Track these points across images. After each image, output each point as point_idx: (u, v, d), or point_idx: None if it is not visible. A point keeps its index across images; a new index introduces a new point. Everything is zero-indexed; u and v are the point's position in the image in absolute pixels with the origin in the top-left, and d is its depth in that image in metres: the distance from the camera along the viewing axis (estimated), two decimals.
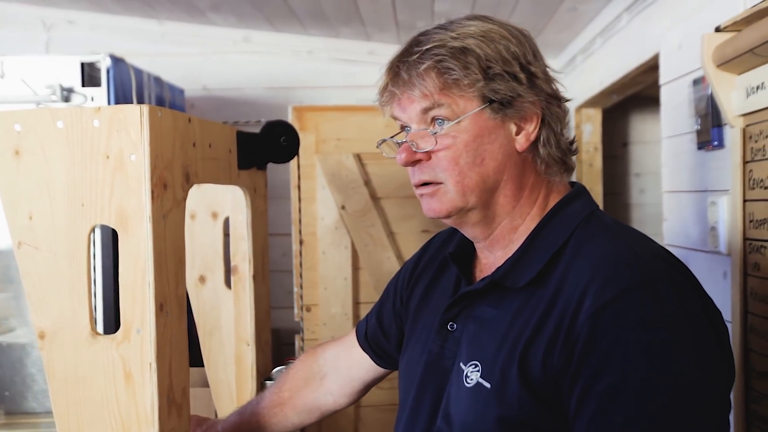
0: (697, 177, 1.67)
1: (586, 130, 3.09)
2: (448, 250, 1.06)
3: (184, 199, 1.17)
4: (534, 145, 0.95)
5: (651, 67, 2.05)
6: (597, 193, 3.14)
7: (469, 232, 1.00)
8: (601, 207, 3.11)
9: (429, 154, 0.93)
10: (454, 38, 0.91)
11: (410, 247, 2.69)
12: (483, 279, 0.98)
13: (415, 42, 0.94)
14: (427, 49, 0.91)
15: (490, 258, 1.00)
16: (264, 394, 1.36)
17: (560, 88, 0.98)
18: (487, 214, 0.96)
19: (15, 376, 2.37)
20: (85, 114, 1.06)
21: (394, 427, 1.07)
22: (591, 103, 2.91)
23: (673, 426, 0.80)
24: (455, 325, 0.99)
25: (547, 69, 0.97)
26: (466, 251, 1.05)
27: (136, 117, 1.04)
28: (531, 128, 0.94)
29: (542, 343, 0.86)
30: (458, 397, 0.93)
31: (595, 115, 3.07)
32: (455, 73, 0.90)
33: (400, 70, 0.93)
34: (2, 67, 2.23)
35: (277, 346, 3.09)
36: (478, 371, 0.92)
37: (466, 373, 0.93)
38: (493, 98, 0.91)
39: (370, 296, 2.72)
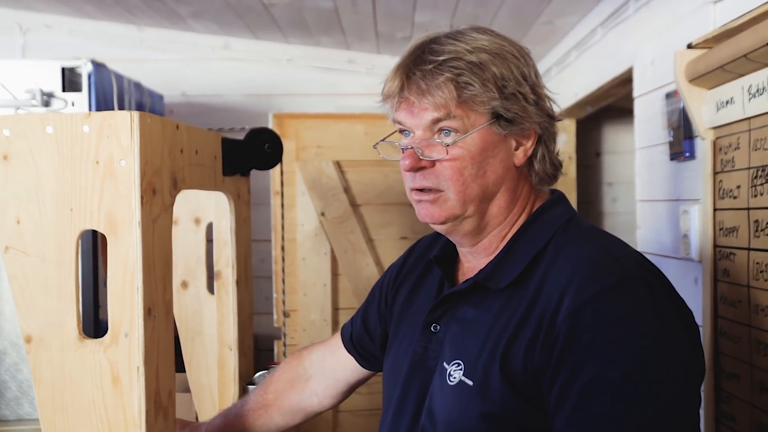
0: (669, 186, 1.73)
1: (561, 140, 3.13)
2: (431, 254, 1.10)
3: (172, 204, 1.19)
4: (529, 160, 1.00)
5: (625, 80, 2.11)
6: (571, 201, 3.15)
7: (458, 239, 1.03)
8: None
9: (434, 162, 0.96)
10: (470, 51, 0.94)
11: (389, 254, 2.71)
12: (466, 281, 1.01)
13: (429, 49, 0.96)
14: (444, 60, 0.93)
15: (473, 262, 1.04)
16: (249, 397, 1.37)
17: (555, 108, 1.03)
18: (480, 223, 1.00)
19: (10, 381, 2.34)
20: (75, 120, 1.07)
21: (379, 427, 1.10)
22: (566, 113, 2.97)
23: (648, 418, 0.84)
24: (438, 327, 1.02)
25: (546, 89, 1.02)
26: (450, 255, 1.08)
27: (126, 123, 1.06)
28: (529, 144, 0.99)
29: (523, 342, 0.90)
30: (442, 395, 0.97)
31: (570, 125, 3.13)
32: (473, 89, 0.93)
33: (415, 78, 0.95)
34: None
35: (256, 352, 3.09)
36: (461, 369, 0.95)
37: (449, 372, 0.96)
38: (504, 115, 0.95)
39: (350, 302, 2.74)
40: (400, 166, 0.98)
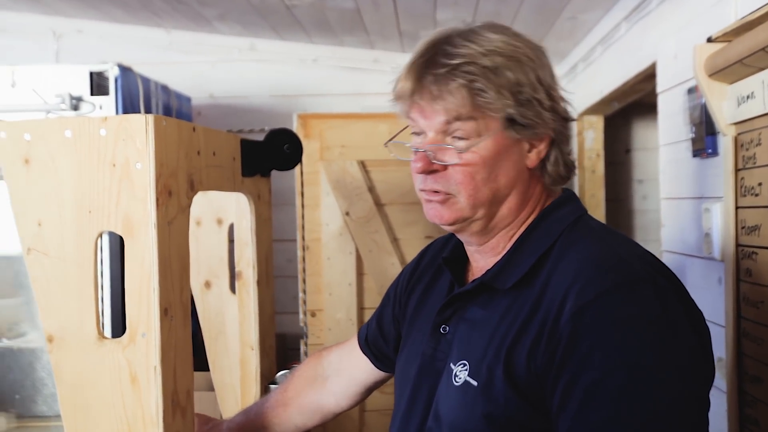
0: (693, 184, 1.69)
1: (589, 137, 3.12)
2: (442, 255, 1.09)
3: (189, 205, 1.20)
4: (542, 162, 0.99)
5: (649, 76, 2.07)
6: (599, 199, 3.16)
7: (465, 238, 1.03)
8: (603, 213, 3.15)
9: (445, 166, 0.95)
10: (484, 54, 0.92)
11: (414, 253, 2.69)
12: (473, 281, 1.01)
13: (442, 51, 0.94)
14: (457, 65, 0.92)
15: (481, 262, 1.03)
16: (270, 395, 1.39)
17: (569, 108, 1.01)
18: (489, 224, 0.99)
19: (25, 380, 2.40)
20: (93, 123, 1.09)
21: (389, 428, 1.10)
22: (593, 110, 2.93)
23: (650, 424, 0.82)
24: (447, 328, 1.02)
25: (561, 90, 1.00)
26: (460, 256, 1.08)
27: (141, 126, 1.07)
28: (542, 147, 0.97)
29: (527, 343, 0.89)
30: (447, 395, 0.96)
31: (597, 122, 3.10)
32: (487, 96, 0.91)
33: (427, 83, 0.93)
34: (13, 76, 2.28)
35: (283, 350, 3.12)
36: (466, 370, 0.94)
37: (455, 372, 0.96)
38: (519, 121, 0.93)
39: (375, 302, 2.75)
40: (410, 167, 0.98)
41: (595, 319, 0.85)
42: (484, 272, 1.00)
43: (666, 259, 1.92)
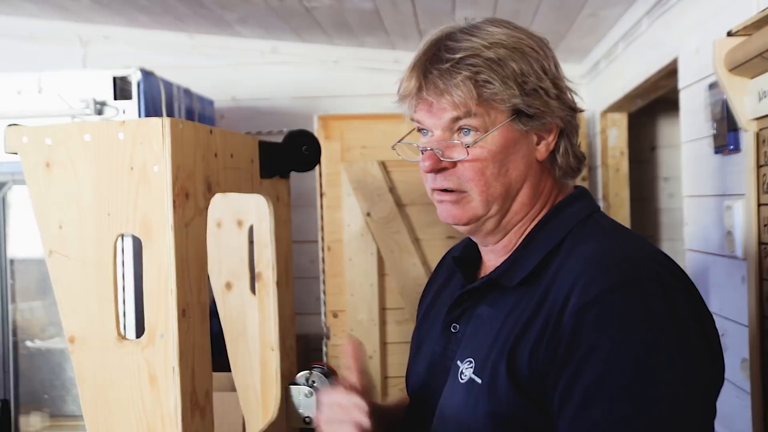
0: (715, 181, 1.67)
1: (612, 135, 3.08)
2: (453, 255, 1.09)
3: (206, 207, 1.22)
4: (552, 154, 0.98)
5: (671, 72, 2.04)
6: (624, 198, 3.12)
7: (479, 238, 1.02)
8: (627, 212, 3.11)
9: (455, 163, 0.94)
10: (487, 47, 0.92)
11: (435, 253, 2.71)
12: (482, 278, 1.00)
13: (444, 47, 0.93)
14: (461, 58, 0.91)
15: (494, 261, 1.02)
16: None
17: (576, 99, 1.00)
18: (502, 221, 0.98)
19: (55, 380, 2.45)
20: (111, 127, 1.11)
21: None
22: (616, 107, 2.90)
23: (651, 425, 0.81)
24: (458, 326, 1.01)
25: (566, 80, 0.99)
26: (473, 256, 1.07)
27: (157, 130, 1.09)
28: (551, 138, 0.97)
29: (530, 340, 0.88)
30: (453, 393, 0.96)
31: (621, 119, 3.06)
32: (493, 87, 0.91)
33: (432, 77, 0.92)
34: (39, 82, 2.32)
35: (307, 351, 3.13)
36: (472, 367, 0.94)
37: (461, 370, 0.95)
38: (526, 112, 0.93)
39: (397, 302, 2.75)
40: (419, 167, 0.97)
41: (598, 317, 0.84)
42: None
43: (689, 257, 1.89)
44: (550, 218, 0.98)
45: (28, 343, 2.44)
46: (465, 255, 1.08)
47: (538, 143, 0.97)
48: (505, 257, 1.00)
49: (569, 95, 0.98)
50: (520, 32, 0.96)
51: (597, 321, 0.84)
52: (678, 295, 0.87)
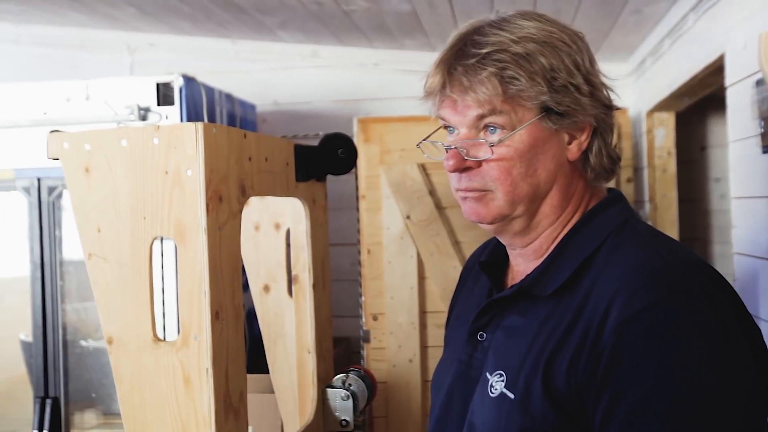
0: (763, 182, 1.60)
1: (659, 135, 3.00)
2: (479, 259, 1.06)
3: (240, 211, 1.22)
4: (584, 154, 0.93)
5: (718, 68, 1.98)
6: (671, 199, 3.04)
7: (508, 240, 0.99)
8: (675, 214, 3.03)
9: (480, 162, 0.91)
10: (515, 42, 0.88)
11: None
12: (512, 286, 0.96)
13: (471, 42, 0.90)
14: (487, 53, 0.88)
15: (523, 266, 0.99)
16: None
17: (614, 97, 0.96)
18: (531, 223, 0.94)
19: (104, 379, 2.51)
20: (146, 133, 1.13)
21: (427, 429, 1.08)
22: (662, 106, 2.82)
23: None
24: (485, 335, 0.98)
25: (602, 76, 0.95)
26: (500, 259, 1.04)
27: (191, 134, 1.10)
28: (583, 138, 0.92)
29: (567, 354, 0.84)
30: (482, 407, 0.92)
31: (668, 119, 2.97)
32: (519, 84, 0.87)
33: (457, 74, 0.89)
34: (87, 89, 2.39)
35: (348, 353, 3.14)
36: (503, 381, 0.90)
37: (491, 383, 0.92)
38: (556, 109, 0.89)
39: (437, 305, 2.73)
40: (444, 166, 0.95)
41: (641, 332, 0.79)
42: (524, 277, 0.96)
43: (737, 261, 1.82)
44: (583, 224, 0.94)
45: (83, 343, 2.51)
46: (491, 259, 1.04)
47: (569, 142, 0.93)
48: (536, 262, 0.96)
49: (605, 92, 0.94)
50: (553, 25, 0.91)
51: (640, 336, 0.79)
52: (724, 307, 0.82)
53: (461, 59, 0.90)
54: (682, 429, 0.76)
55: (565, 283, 0.90)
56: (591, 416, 0.82)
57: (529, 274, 0.95)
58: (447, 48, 0.93)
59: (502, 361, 0.92)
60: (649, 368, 0.78)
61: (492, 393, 0.91)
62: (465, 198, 0.94)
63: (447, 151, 0.93)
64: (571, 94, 0.89)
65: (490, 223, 0.94)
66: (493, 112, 0.89)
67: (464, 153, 0.92)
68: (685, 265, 0.85)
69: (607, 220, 0.93)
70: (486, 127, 0.91)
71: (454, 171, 0.93)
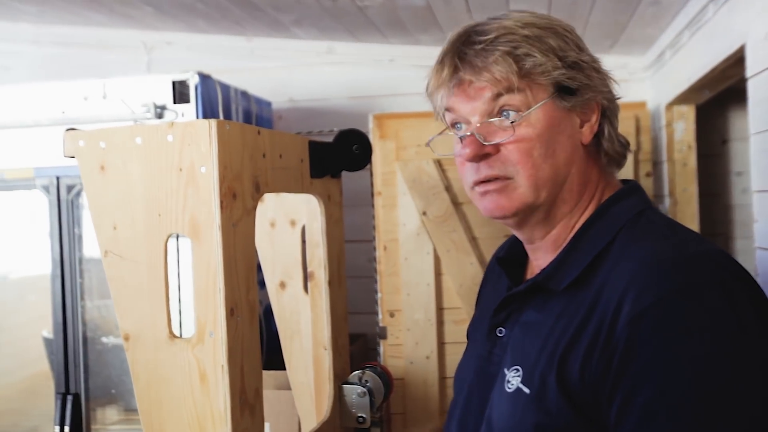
0: None
1: (679, 128, 2.96)
2: (497, 256, 1.06)
3: (254, 207, 1.22)
4: (596, 138, 0.94)
5: (738, 60, 1.94)
6: (692, 193, 3.00)
7: (527, 233, 0.98)
8: (696, 209, 2.99)
9: (497, 147, 0.90)
10: (521, 27, 0.89)
11: (492, 252, 2.66)
12: (527, 281, 0.96)
13: (474, 32, 0.91)
14: (495, 37, 0.88)
15: (541, 260, 0.98)
16: None
17: (620, 89, 0.97)
18: (550, 212, 0.93)
19: (123, 375, 2.53)
20: (160, 130, 1.13)
21: (446, 422, 1.07)
22: (682, 99, 2.78)
23: None
24: (504, 330, 0.97)
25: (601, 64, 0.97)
26: (518, 256, 1.03)
27: (204, 131, 1.10)
28: (594, 120, 0.93)
29: (581, 349, 0.83)
30: (500, 402, 0.92)
31: (688, 112, 2.93)
32: (534, 59, 0.87)
33: (469, 57, 0.89)
34: (104, 88, 2.41)
35: (365, 350, 3.14)
36: (519, 376, 0.89)
37: (508, 378, 0.91)
38: (569, 86, 0.89)
39: (454, 302, 2.72)
40: (456, 162, 0.94)
41: (655, 326, 0.77)
42: (539, 271, 0.95)
43: (759, 256, 1.79)
44: (598, 216, 0.93)
45: (103, 339, 2.53)
46: (509, 255, 1.04)
47: (581, 125, 0.93)
48: (554, 255, 0.95)
49: (608, 78, 0.96)
50: (549, 17, 0.94)
51: (654, 330, 0.77)
52: (743, 300, 0.79)
53: (470, 45, 0.90)
54: (696, 424, 0.75)
55: (578, 277, 0.89)
56: (606, 412, 0.81)
57: (543, 269, 0.94)
58: (449, 43, 0.93)
59: (519, 356, 0.92)
60: (663, 364, 0.77)
61: (508, 388, 0.91)
62: (485, 192, 0.93)
63: (462, 141, 0.92)
64: (582, 71, 0.90)
65: (514, 215, 0.93)
66: (509, 89, 0.89)
67: (482, 138, 0.90)
68: (698, 257, 0.83)
69: (623, 212, 0.92)
70: (500, 111, 0.90)
71: (472, 159, 0.92)
